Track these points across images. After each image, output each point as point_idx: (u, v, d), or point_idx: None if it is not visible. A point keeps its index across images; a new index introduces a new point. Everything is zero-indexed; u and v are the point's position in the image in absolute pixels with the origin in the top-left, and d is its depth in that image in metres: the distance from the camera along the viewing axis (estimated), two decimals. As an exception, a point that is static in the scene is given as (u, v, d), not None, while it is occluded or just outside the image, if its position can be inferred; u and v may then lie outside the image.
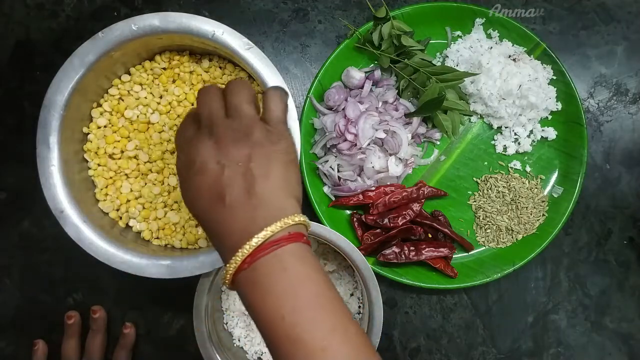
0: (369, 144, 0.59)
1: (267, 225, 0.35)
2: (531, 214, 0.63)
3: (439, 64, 0.65)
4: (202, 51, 0.59)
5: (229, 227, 0.36)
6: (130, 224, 0.58)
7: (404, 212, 0.61)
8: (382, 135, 0.60)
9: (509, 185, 0.64)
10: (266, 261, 0.35)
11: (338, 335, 0.34)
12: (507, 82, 0.61)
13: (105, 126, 0.58)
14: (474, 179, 0.65)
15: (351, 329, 0.35)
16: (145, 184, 0.58)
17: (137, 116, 0.58)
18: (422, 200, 0.62)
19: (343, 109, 0.60)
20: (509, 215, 0.63)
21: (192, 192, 0.39)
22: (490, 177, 0.64)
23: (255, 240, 0.35)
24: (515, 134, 0.64)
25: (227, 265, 0.36)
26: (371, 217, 0.61)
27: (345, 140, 0.59)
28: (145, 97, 0.58)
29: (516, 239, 0.64)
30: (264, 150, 0.38)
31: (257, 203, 0.36)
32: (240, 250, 0.35)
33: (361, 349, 0.35)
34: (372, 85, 0.63)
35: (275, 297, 0.34)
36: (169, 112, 0.59)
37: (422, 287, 0.61)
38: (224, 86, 0.41)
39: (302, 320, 0.34)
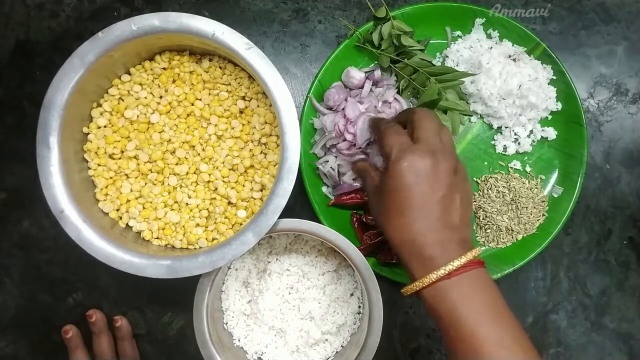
0: (368, 144, 0.59)
1: (471, 247, 0.45)
2: (531, 214, 0.63)
3: (439, 64, 0.65)
4: (202, 51, 0.59)
5: (443, 241, 0.44)
6: (130, 224, 0.58)
7: (404, 212, 0.61)
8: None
9: (509, 185, 0.64)
10: (468, 275, 0.43)
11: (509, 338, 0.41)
12: (507, 82, 0.61)
13: (105, 126, 0.58)
14: (474, 179, 0.65)
15: (522, 336, 0.42)
16: (145, 184, 0.58)
17: (137, 116, 0.58)
18: (422, 200, 0.62)
19: (343, 109, 0.60)
20: (509, 215, 0.63)
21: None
22: (490, 177, 0.64)
23: (465, 259, 0.43)
24: (515, 134, 0.64)
25: (433, 272, 0.43)
26: (371, 217, 0.61)
27: (345, 140, 0.59)
28: (145, 97, 0.58)
29: (516, 239, 0.64)
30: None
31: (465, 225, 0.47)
32: (452, 262, 0.43)
33: (528, 353, 0.41)
34: (372, 85, 0.63)
35: (468, 302, 0.42)
36: (169, 112, 0.59)
37: (422, 287, 0.61)
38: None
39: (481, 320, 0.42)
